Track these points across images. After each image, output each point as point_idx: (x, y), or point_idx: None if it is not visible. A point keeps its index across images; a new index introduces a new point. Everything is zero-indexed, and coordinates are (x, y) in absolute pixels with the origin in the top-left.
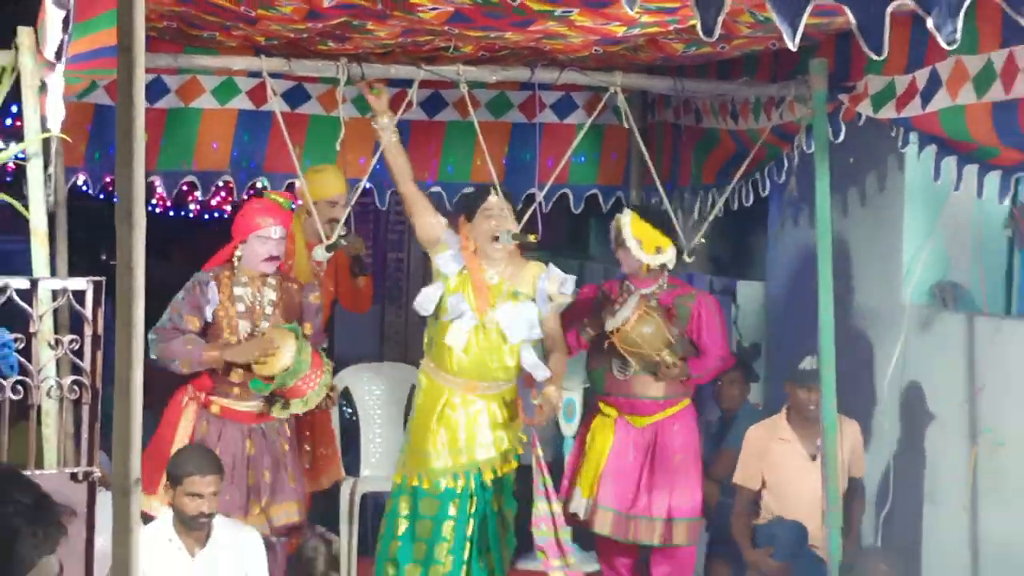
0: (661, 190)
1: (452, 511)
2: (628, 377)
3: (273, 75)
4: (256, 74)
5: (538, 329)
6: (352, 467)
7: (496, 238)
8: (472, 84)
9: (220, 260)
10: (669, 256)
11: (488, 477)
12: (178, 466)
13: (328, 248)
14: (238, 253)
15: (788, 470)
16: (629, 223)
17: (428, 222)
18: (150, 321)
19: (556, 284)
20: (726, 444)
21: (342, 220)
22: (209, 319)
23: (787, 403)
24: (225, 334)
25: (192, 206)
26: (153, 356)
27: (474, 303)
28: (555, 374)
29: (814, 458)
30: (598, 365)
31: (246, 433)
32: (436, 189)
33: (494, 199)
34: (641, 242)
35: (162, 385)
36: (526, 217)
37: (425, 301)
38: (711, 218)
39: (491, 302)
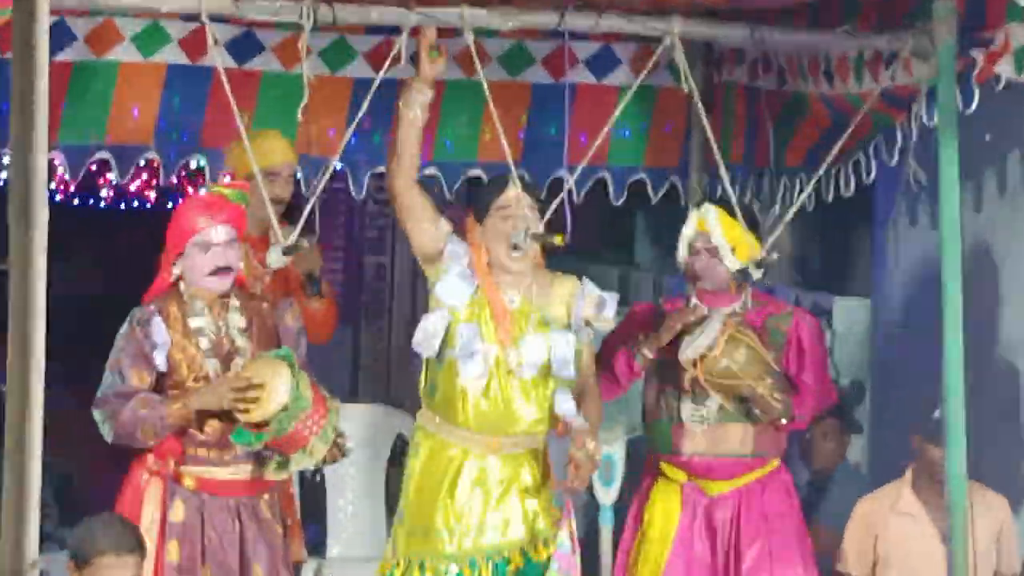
0: (724, 176)
1: None
2: (708, 426)
3: (214, 18)
4: (192, 17)
5: (572, 368)
6: (316, 545)
7: (515, 246)
8: (480, 32)
9: (161, 287)
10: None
11: (516, 565)
12: (85, 542)
13: (286, 251)
14: (176, 271)
15: (912, 555)
16: (718, 222)
17: (426, 231)
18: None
19: (592, 305)
20: (819, 518)
21: (287, 201)
22: (163, 367)
23: (913, 464)
24: (189, 382)
25: (104, 192)
26: (107, 438)
27: (493, 335)
28: (592, 424)
29: None
30: (660, 412)
31: (234, 511)
32: (431, 171)
33: (513, 192)
34: (735, 248)
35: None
36: (550, 210)
37: (427, 339)
38: (794, 208)
39: (514, 333)
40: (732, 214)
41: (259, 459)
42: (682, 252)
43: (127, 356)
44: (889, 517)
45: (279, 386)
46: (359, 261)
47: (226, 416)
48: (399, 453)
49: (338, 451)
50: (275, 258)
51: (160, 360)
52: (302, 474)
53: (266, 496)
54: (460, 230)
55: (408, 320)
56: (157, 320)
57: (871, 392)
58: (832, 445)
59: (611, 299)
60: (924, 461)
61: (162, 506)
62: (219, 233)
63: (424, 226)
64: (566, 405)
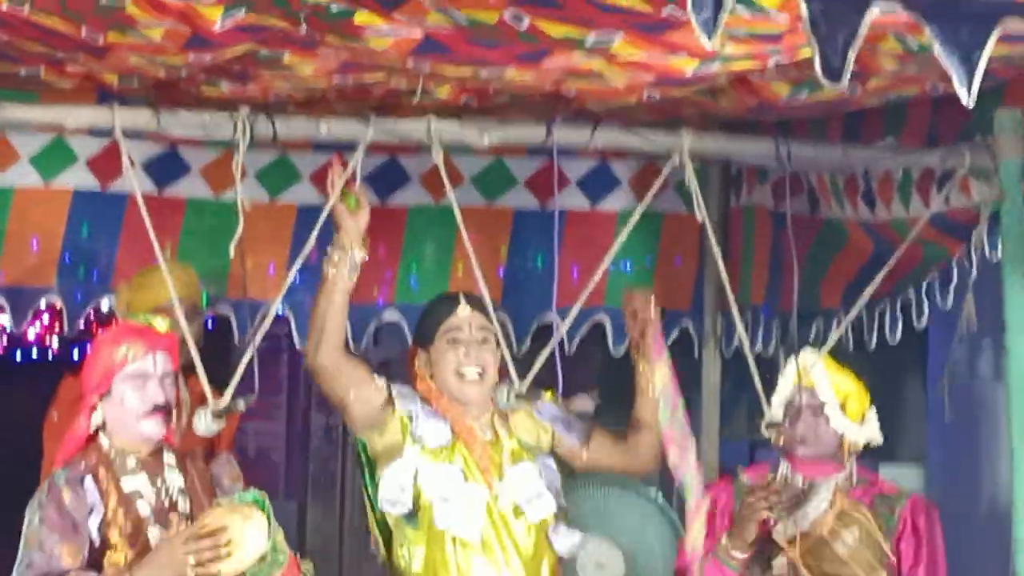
0: (736, 318)
1: None
2: None
3: (130, 134)
4: (103, 132)
5: (550, 500)
6: None
7: (460, 375)
8: (451, 148)
9: (77, 445)
10: (873, 425)
11: None
12: None
13: (217, 415)
14: (97, 420)
15: None
16: (825, 373)
17: (368, 397)
18: None
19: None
20: None
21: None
22: (96, 539)
23: None
24: (126, 555)
25: None
26: None
27: (479, 475)
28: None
29: None
30: None
31: None
32: (392, 316)
33: (463, 312)
34: (844, 405)
35: None
36: (538, 364)
37: (394, 493)
38: (825, 348)
39: (495, 470)
40: (841, 362)
41: None
42: (776, 414)
43: (52, 529)
44: None
45: (254, 532)
46: (305, 421)
47: None
48: None
49: None
50: (203, 425)
51: (92, 530)
52: None
53: None
54: (399, 373)
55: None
56: (88, 482)
57: None
58: None
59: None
60: None
61: None
62: (158, 363)
63: (364, 393)
64: (566, 540)
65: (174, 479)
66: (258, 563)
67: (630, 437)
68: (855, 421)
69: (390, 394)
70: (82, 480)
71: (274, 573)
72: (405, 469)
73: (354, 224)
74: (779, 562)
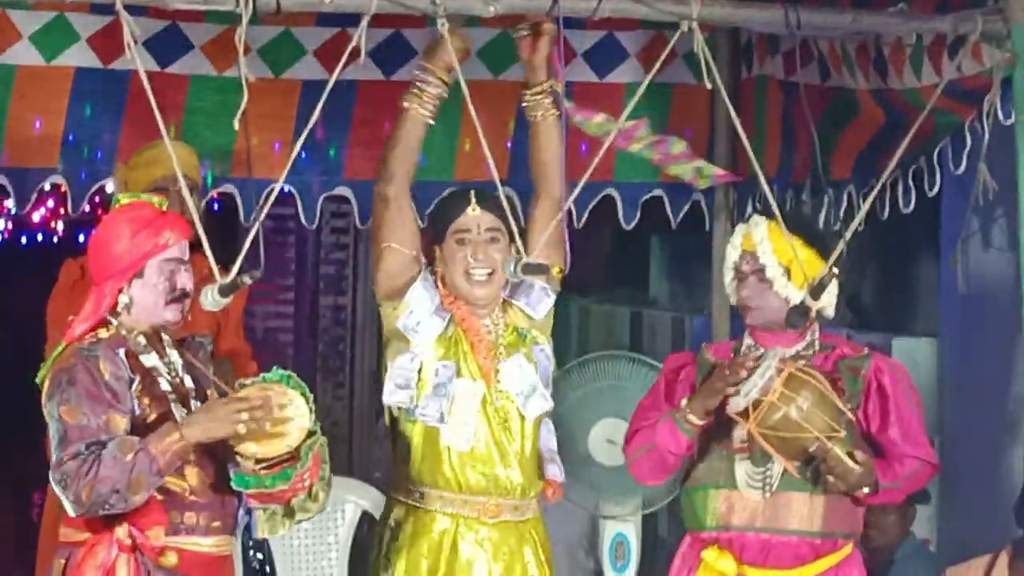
0: (768, 189)
1: None
2: (760, 494)
3: (132, 10)
4: (104, 9)
5: (545, 396)
6: None
7: (468, 274)
8: (456, 18)
9: (94, 321)
10: (829, 294)
11: None
12: None
13: (223, 291)
14: (125, 299)
15: None
16: (766, 236)
17: (402, 256)
18: None
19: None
20: None
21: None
22: (136, 410)
23: (1011, 546)
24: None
25: None
26: (74, 508)
27: (477, 371)
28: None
29: None
30: (704, 477)
31: None
32: None
33: (472, 212)
34: (789, 270)
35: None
36: (544, 236)
37: (399, 385)
38: (852, 229)
39: (495, 363)
40: (812, 231)
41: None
42: (727, 279)
43: (91, 400)
44: None
45: (298, 410)
46: (313, 303)
47: (212, 466)
48: (366, 535)
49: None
50: (210, 300)
51: (130, 400)
52: (246, 562)
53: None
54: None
55: (374, 373)
56: (121, 354)
57: (941, 452)
58: (893, 518)
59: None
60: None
61: None
62: (184, 250)
63: (403, 250)
64: (547, 446)
65: (175, 357)
66: (307, 438)
67: (536, 181)
68: (800, 286)
69: (418, 280)
70: (116, 352)
71: (313, 449)
72: (408, 363)
73: (444, 52)
74: (738, 435)
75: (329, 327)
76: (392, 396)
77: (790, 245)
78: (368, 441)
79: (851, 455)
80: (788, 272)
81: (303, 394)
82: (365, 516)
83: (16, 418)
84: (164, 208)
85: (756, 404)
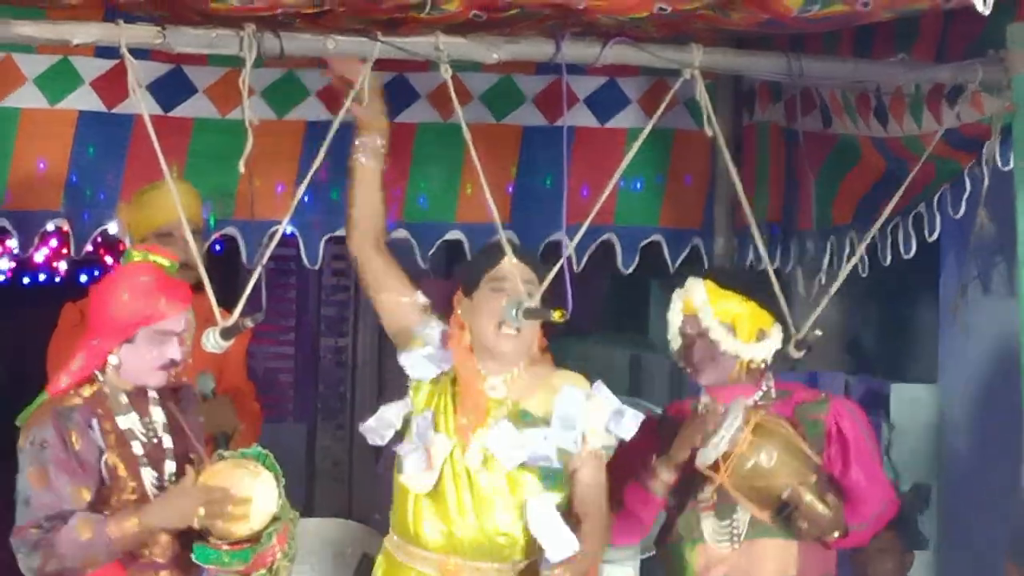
0: (757, 236)
1: None
2: (728, 546)
3: (136, 54)
4: (110, 52)
5: (554, 460)
6: None
7: (499, 326)
8: (459, 66)
9: (80, 377)
10: (774, 341)
11: None
12: None
13: (225, 334)
14: (114, 361)
15: None
16: (706, 299)
17: (400, 306)
18: None
19: (605, 415)
20: None
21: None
22: (103, 479)
23: None
24: (125, 496)
25: (1, 263)
26: (32, 573)
27: (451, 423)
28: (588, 551)
29: None
30: (678, 534)
31: None
32: (401, 234)
33: (508, 263)
34: (734, 327)
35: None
36: (547, 281)
37: (378, 427)
38: (844, 273)
39: (483, 419)
40: (747, 283)
41: None
42: (674, 345)
43: (59, 469)
44: None
45: (266, 494)
46: (314, 344)
47: (181, 535)
48: None
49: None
50: (212, 342)
51: (98, 471)
52: None
53: None
54: (440, 303)
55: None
56: (95, 424)
57: (939, 498)
58: (891, 565)
59: (631, 416)
60: None
61: None
62: (180, 323)
63: (396, 299)
64: (543, 520)
65: (158, 415)
66: (270, 523)
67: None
68: (748, 341)
69: (423, 318)
70: (90, 421)
71: (279, 531)
72: (398, 408)
73: (366, 109)
74: (707, 491)
75: (330, 368)
76: (368, 431)
77: (731, 299)
78: (368, 482)
79: (823, 500)
80: (733, 329)
81: (276, 476)
82: (365, 558)
83: (13, 452)
84: (174, 271)
85: (725, 456)
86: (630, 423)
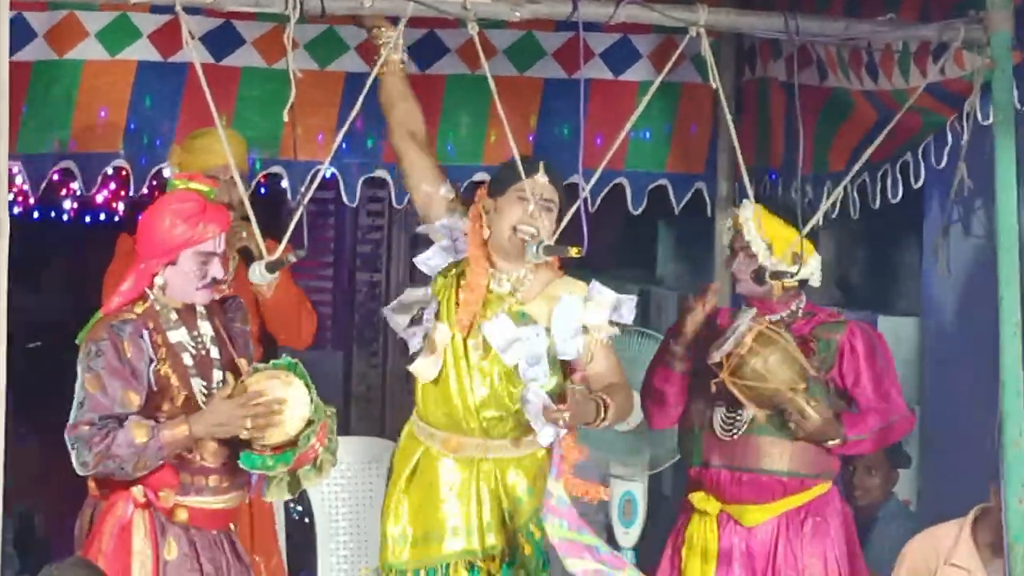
0: (747, 182)
1: None
2: (736, 437)
3: (189, 10)
4: (164, 8)
5: (545, 371)
6: None
7: (515, 229)
8: (485, 23)
9: (131, 296)
10: (813, 268)
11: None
12: None
13: (270, 267)
14: (160, 281)
15: None
16: (753, 219)
17: (426, 195)
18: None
19: (605, 308)
20: (863, 559)
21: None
22: (153, 387)
23: (979, 510)
24: (175, 405)
25: (67, 204)
26: (82, 469)
27: (453, 314)
28: (614, 410)
29: None
30: (691, 420)
31: (220, 544)
32: None
33: (541, 180)
34: (772, 246)
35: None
36: (565, 220)
37: (399, 308)
38: (823, 209)
39: (484, 313)
40: (794, 217)
41: (259, 479)
42: (725, 255)
43: (111, 373)
44: (940, 569)
45: (299, 400)
46: (351, 279)
47: (228, 442)
48: None
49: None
50: (258, 274)
51: (151, 380)
52: (287, 513)
53: (233, 526)
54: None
55: (405, 344)
56: (145, 336)
57: (921, 420)
58: (877, 480)
59: (627, 301)
60: (995, 512)
61: (153, 543)
62: (219, 243)
63: (424, 188)
64: (534, 406)
65: (206, 328)
66: (306, 427)
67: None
68: (782, 260)
69: (447, 210)
70: (141, 333)
71: (316, 432)
72: (418, 293)
73: (372, 19)
74: (711, 386)
75: (364, 301)
76: (386, 311)
77: (777, 225)
78: (400, 404)
79: (810, 405)
80: (771, 247)
81: (306, 384)
82: None
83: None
84: (212, 197)
85: (728, 357)
86: (629, 309)
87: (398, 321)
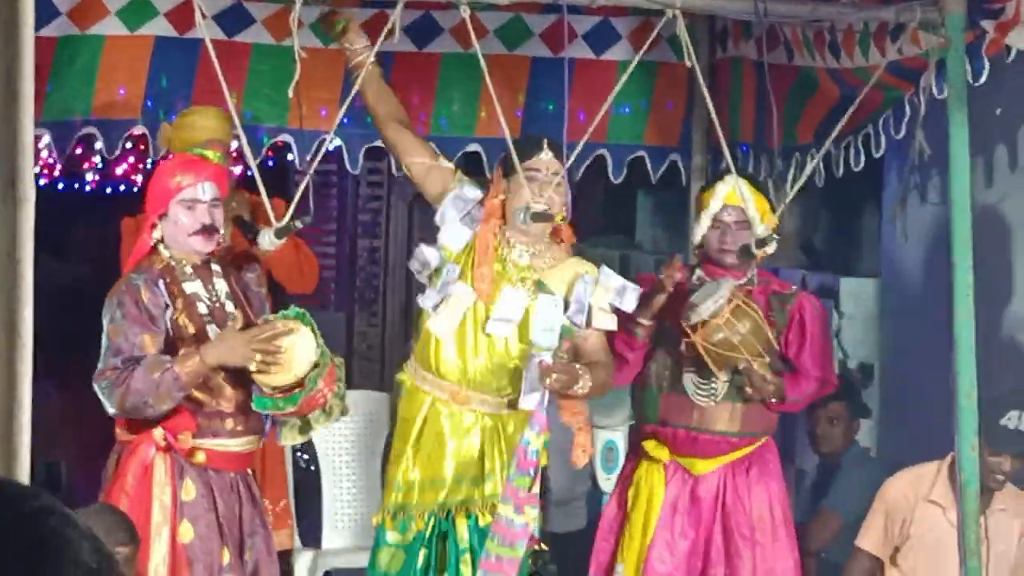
0: (726, 153)
1: (420, 563)
2: (708, 402)
3: None
4: None
5: (555, 339)
6: (309, 536)
7: (527, 207)
8: (476, 6)
9: (141, 253)
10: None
11: (461, 523)
12: None
13: (278, 233)
14: (157, 234)
15: (935, 547)
16: (748, 194)
17: (425, 168)
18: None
19: (610, 292)
20: (827, 503)
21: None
22: (169, 332)
23: (953, 455)
24: (192, 348)
25: (89, 176)
26: (112, 409)
27: (472, 277)
28: (591, 382)
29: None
30: (650, 380)
31: (235, 487)
32: None
33: (545, 157)
34: (761, 219)
35: (80, 421)
36: (550, 189)
37: (418, 262)
38: (801, 181)
39: (500, 283)
40: (756, 186)
41: (273, 425)
42: (704, 225)
43: (131, 321)
44: (918, 504)
45: (306, 343)
46: (352, 245)
47: (240, 383)
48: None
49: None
50: (267, 240)
51: (166, 324)
52: (296, 463)
53: (250, 470)
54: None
55: (403, 305)
56: (161, 284)
57: (880, 375)
58: (840, 430)
59: (631, 290)
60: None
61: (172, 484)
62: (205, 191)
63: (420, 160)
64: (531, 376)
65: (221, 285)
66: (312, 369)
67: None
68: (768, 230)
69: (456, 179)
70: (156, 282)
71: (322, 376)
72: (433, 252)
73: (344, 36)
74: (682, 346)
75: (365, 266)
76: (412, 266)
77: (761, 198)
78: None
79: (767, 376)
80: (760, 221)
81: (312, 330)
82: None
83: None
84: (216, 160)
85: (704, 323)
86: (631, 298)
87: (418, 268)
